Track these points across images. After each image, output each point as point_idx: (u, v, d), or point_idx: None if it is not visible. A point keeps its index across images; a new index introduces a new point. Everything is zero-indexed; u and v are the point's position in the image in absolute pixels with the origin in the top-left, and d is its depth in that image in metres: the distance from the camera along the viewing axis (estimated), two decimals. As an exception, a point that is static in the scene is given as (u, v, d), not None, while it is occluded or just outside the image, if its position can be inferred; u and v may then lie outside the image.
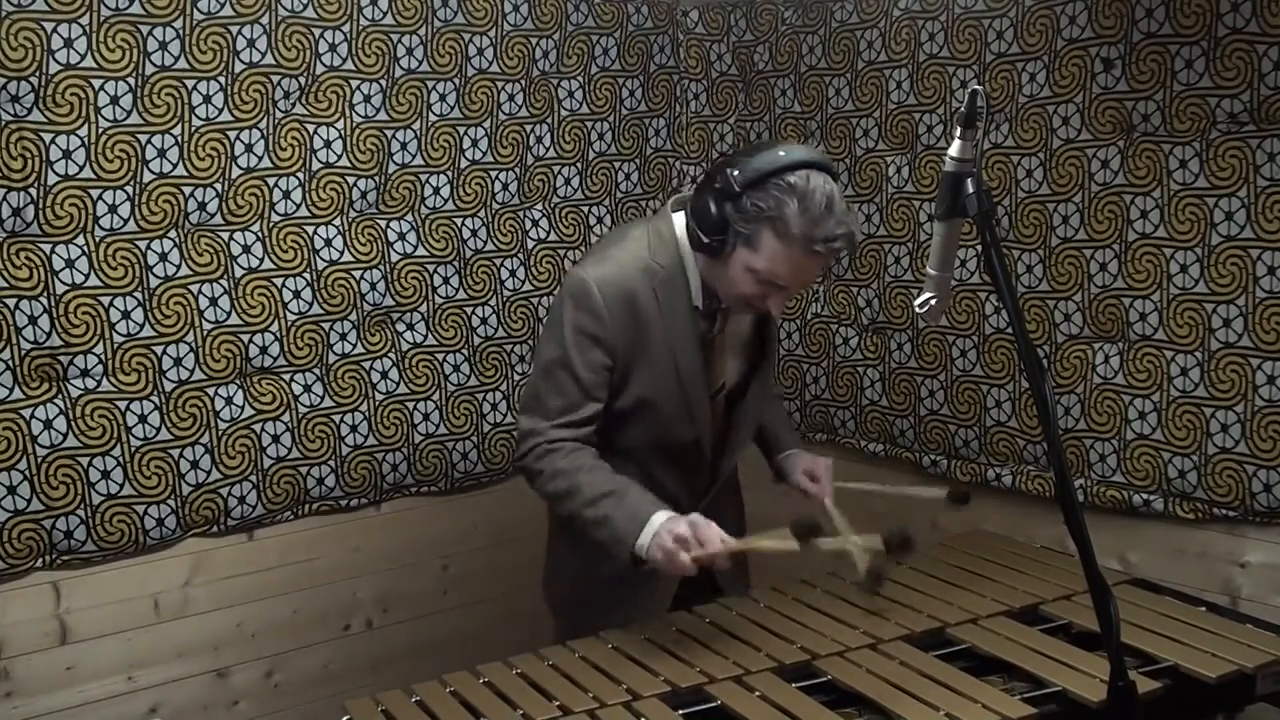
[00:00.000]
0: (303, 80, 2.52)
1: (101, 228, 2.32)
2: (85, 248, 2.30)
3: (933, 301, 1.64)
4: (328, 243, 2.60)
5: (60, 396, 2.30)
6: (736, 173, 1.87)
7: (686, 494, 2.13)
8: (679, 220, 2.02)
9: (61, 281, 2.28)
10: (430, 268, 2.75)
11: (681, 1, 3.14)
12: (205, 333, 2.46)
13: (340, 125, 2.59)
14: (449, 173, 2.76)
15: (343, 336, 2.64)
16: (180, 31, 2.36)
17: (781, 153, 1.87)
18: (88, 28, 2.26)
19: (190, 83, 2.38)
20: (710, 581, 2.17)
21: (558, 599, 2.27)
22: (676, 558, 1.82)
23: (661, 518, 1.87)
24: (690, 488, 2.14)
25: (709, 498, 2.16)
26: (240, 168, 2.47)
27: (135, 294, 2.37)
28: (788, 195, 1.83)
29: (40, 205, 2.24)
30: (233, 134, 2.45)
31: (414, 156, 2.70)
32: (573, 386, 1.97)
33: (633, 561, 1.89)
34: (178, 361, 2.42)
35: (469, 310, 2.82)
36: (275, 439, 2.56)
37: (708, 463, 2.13)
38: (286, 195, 2.54)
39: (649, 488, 2.02)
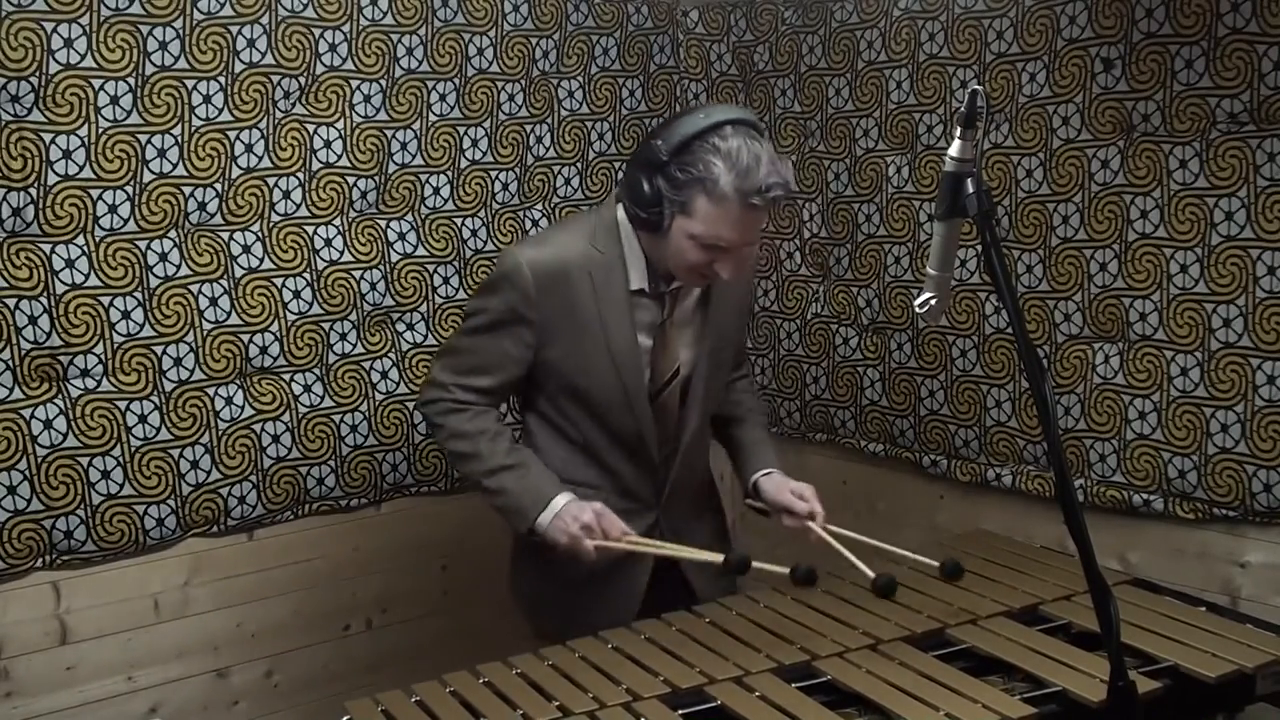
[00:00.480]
0: (303, 80, 2.52)
1: (101, 228, 2.32)
2: (85, 248, 2.30)
3: (933, 301, 1.64)
4: (328, 243, 2.60)
5: (60, 396, 2.30)
6: (660, 143, 1.88)
7: (646, 489, 2.14)
8: (621, 208, 2.02)
9: (61, 281, 2.28)
10: (430, 268, 2.75)
11: (681, 1, 3.14)
12: (205, 333, 2.46)
13: (340, 125, 2.59)
14: (449, 173, 2.76)
15: (343, 336, 2.64)
16: (180, 31, 2.36)
17: (701, 115, 1.89)
18: (88, 28, 2.26)
19: (190, 83, 2.39)
20: (684, 585, 2.17)
21: (524, 601, 2.29)
22: (581, 543, 1.96)
23: (563, 500, 1.99)
24: (644, 482, 2.13)
25: (667, 493, 2.15)
26: (240, 168, 2.47)
27: (135, 294, 2.37)
28: (714, 156, 1.84)
29: (40, 205, 2.24)
30: (233, 134, 2.45)
31: (414, 156, 2.70)
32: (495, 355, 2.04)
33: (528, 534, 2.02)
34: (178, 361, 2.43)
35: (469, 310, 2.82)
36: (275, 439, 2.56)
37: (654, 457, 2.11)
38: (286, 195, 2.54)
39: (610, 484, 2.08)
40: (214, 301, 2.46)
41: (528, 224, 2.90)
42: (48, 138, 2.24)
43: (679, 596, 2.13)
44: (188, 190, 2.41)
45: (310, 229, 2.58)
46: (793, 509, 2.12)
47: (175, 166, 2.39)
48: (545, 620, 2.21)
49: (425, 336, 2.76)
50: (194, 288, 2.44)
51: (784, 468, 2.25)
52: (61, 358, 2.29)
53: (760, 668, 1.82)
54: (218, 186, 2.45)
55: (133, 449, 2.39)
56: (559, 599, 2.19)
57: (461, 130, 2.76)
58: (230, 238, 2.48)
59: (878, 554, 2.14)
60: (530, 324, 2.01)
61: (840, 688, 1.78)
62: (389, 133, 2.65)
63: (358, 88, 2.60)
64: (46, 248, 2.26)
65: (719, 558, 2.03)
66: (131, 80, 2.32)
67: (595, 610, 2.10)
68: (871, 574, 2.06)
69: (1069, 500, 1.41)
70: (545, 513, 1.99)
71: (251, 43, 2.44)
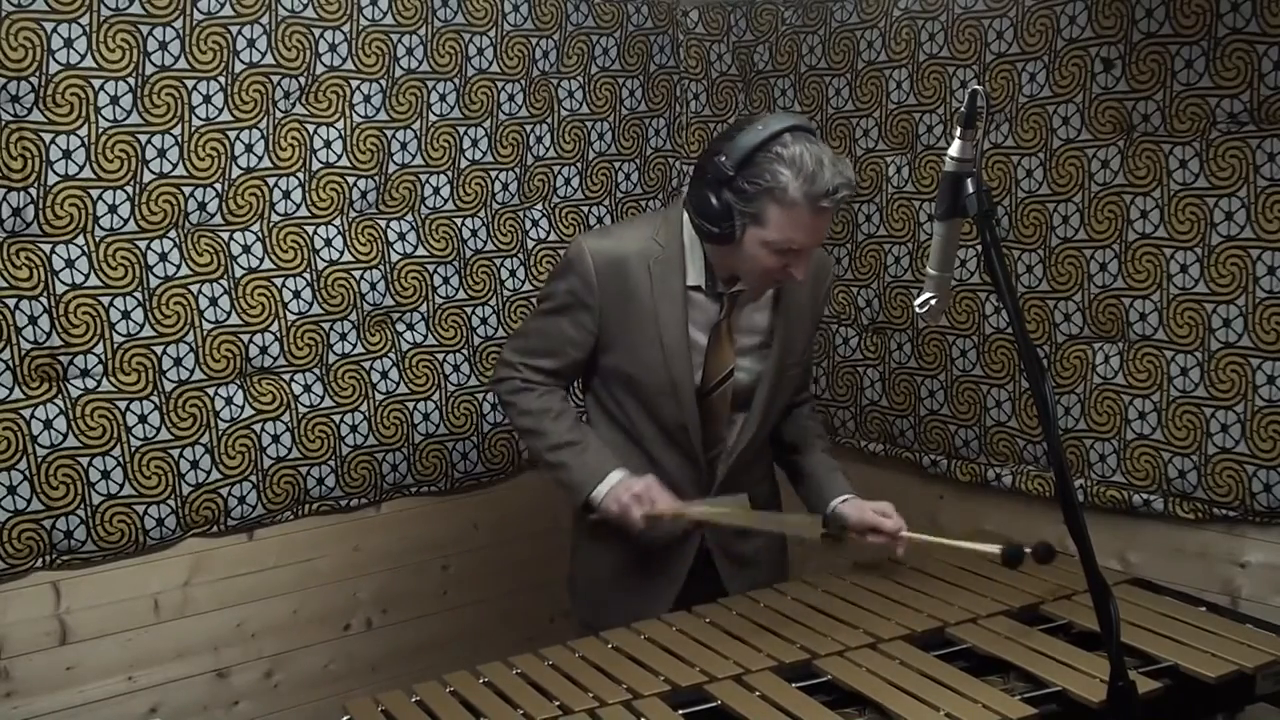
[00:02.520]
0: (303, 80, 2.52)
1: (101, 228, 2.32)
2: (85, 248, 2.30)
3: (933, 301, 1.64)
4: (328, 243, 2.60)
5: (60, 396, 2.30)
6: (724, 158, 1.92)
7: (692, 487, 2.15)
8: (687, 213, 2.07)
9: (61, 281, 2.28)
10: (430, 268, 2.75)
11: (681, 1, 3.14)
12: (205, 333, 2.46)
13: (340, 125, 2.59)
14: (449, 173, 2.76)
15: (343, 336, 2.64)
16: (180, 31, 2.36)
17: (760, 126, 1.91)
18: (88, 28, 2.26)
19: (190, 83, 2.38)
20: (715, 579, 2.20)
21: (572, 589, 2.33)
22: (630, 512, 2.02)
23: (619, 475, 2.06)
24: (690, 480, 2.15)
25: (714, 495, 2.16)
26: (240, 168, 2.47)
27: (135, 294, 2.37)
28: (779, 164, 1.88)
29: (40, 205, 2.24)
30: (233, 134, 2.45)
31: (414, 156, 2.70)
32: (555, 334, 2.12)
33: (584, 509, 2.08)
34: (178, 361, 2.42)
35: (469, 310, 2.82)
36: (275, 439, 2.56)
37: (699, 454, 2.14)
38: (286, 195, 2.54)
39: (655, 475, 2.10)
40: (214, 301, 2.46)
41: (528, 224, 2.90)
42: (48, 138, 2.24)
43: (712, 593, 2.17)
44: (188, 190, 2.41)
45: (310, 229, 2.58)
46: (881, 528, 2.12)
47: (175, 166, 2.39)
48: (584, 609, 2.29)
49: (425, 336, 2.76)
50: (194, 288, 2.44)
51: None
52: (61, 358, 2.29)
53: (760, 667, 1.83)
54: (218, 186, 2.45)
55: (133, 449, 2.39)
56: (597, 589, 2.26)
57: (461, 130, 2.76)
58: (230, 238, 2.48)
59: (945, 550, 2.15)
60: (590, 309, 2.08)
61: (840, 687, 1.78)
62: (389, 133, 2.65)
63: (358, 88, 2.60)
64: (46, 248, 2.26)
65: (815, 519, 2.13)
66: (131, 80, 2.32)
67: (632, 602, 2.15)
68: (995, 549, 2.01)
69: (1069, 500, 1.41)
70: (601, 486, 2.05)
71: (251, 43, 2.44)
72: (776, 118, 1.94)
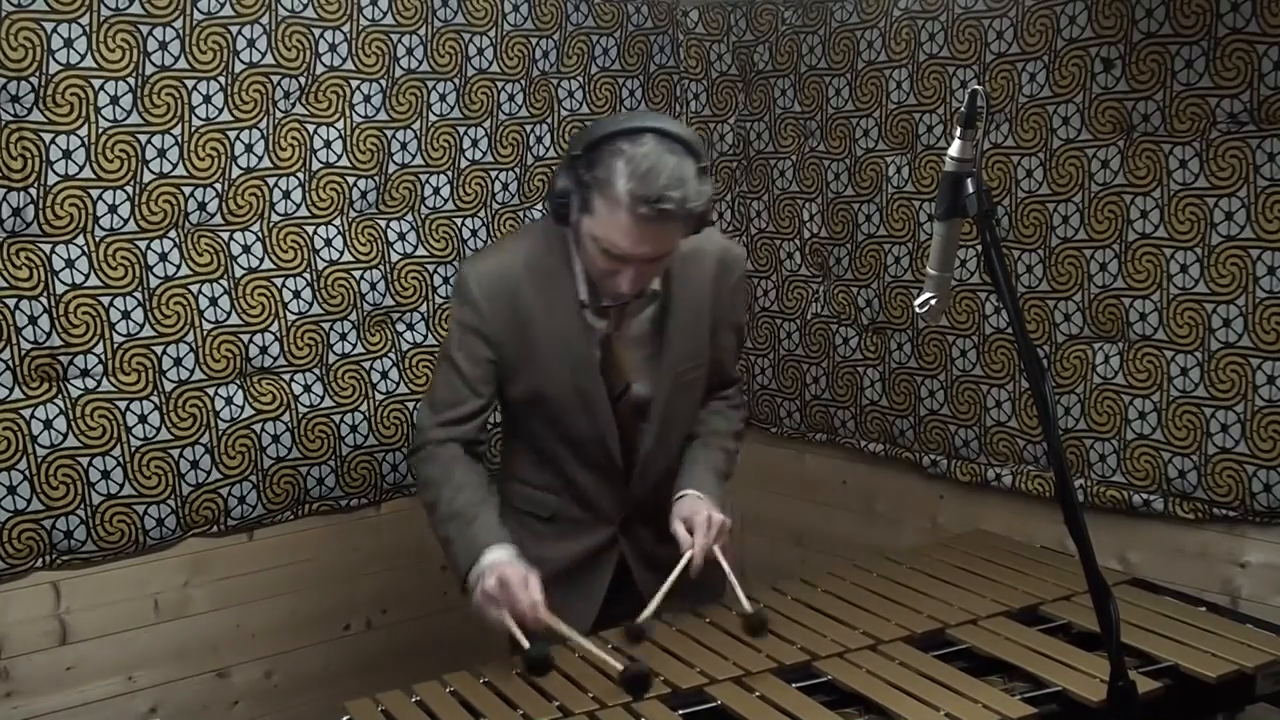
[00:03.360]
0: (303, 80, 2.52)
1: (101, 228, 2.32)
2: (85, 248, 2.30)
3: (933, 301, 1.64)
4: (328, 243, 2.60)
5: (60, 396, 2.30)
6: (579, 139, 1.87)
7: (608, 502, 2.10)
8: None
9: (61, 281, 2.28)
10: (430, 268, 2.74)
11: (681, 1, 3.14)
12: (205, 333, 2.46)
13: (340, 125, 2.59)
14: (449, 173, 2.76)
15: (343, 336, 2.64)
16: (180, 31, 2.36)
17: (624, 118, 1.86)
18: (88, 28, 2.26)
19: (190, 83, 2.38)
20: (639, 600, 2.08)
21: None
22: (487, 610, 1.85)
23: (491, 557, 1.87)
24: (609, 495, 2.10)
25: (630, 510, 2.10)
26: (240, 168, 2.47)
27: (135, 294, 2.37)
28: (616, 159, 1.79)
29: (40, 205, 2.24)
30: (233, 134, 2.45)
31: (414, 156, 2.70)
32: (456, 379, 2.01)
33: (462, 590, 1.92)
34: (178, 361, 2.42)
35: (469, 310, 2.82)
36: (275, 439, 2.56)
37: (619, 468, 2.08)
38: (286, 195, 2.54)
39: (569, 492, 2.05)
40: (214, 301, 2.46)
41: (528, 224, 2.90)
42: (48, 138, 2.24)
43: (634, 611, 2.09)
44: (188, 190, 2.41)
45: (310, 229, 2.58)
46: (676, 537, 1.98)
47: (175, 166, 2.39)
48: None
49: (425, 336, 2.75)
50: (194, 288, 2.44)
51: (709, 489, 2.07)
52: (61, 358, 2.29)
53: (760, 667, 1.83)
54: (218, 186, 2.45)
55: (133, 449, 2.39)
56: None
57: (461, 130, 2.76)
58: (230, 238, 2.48)
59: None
60: (485, 337, 1.99)
61: (840, 687, 1.78)
62: (389, 133, 2.65)
63: (358, 88, 2.60)
64: (46, 248, 2.26)
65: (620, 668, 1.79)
66: (131, 80, 2.32)
67: (558, 614, 2.08)
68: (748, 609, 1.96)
69: (1069, 500, 1.41)
70: (475, 568, 1.88)
71: (251, 43, 2.44)
72: (646, 116, 1.88)
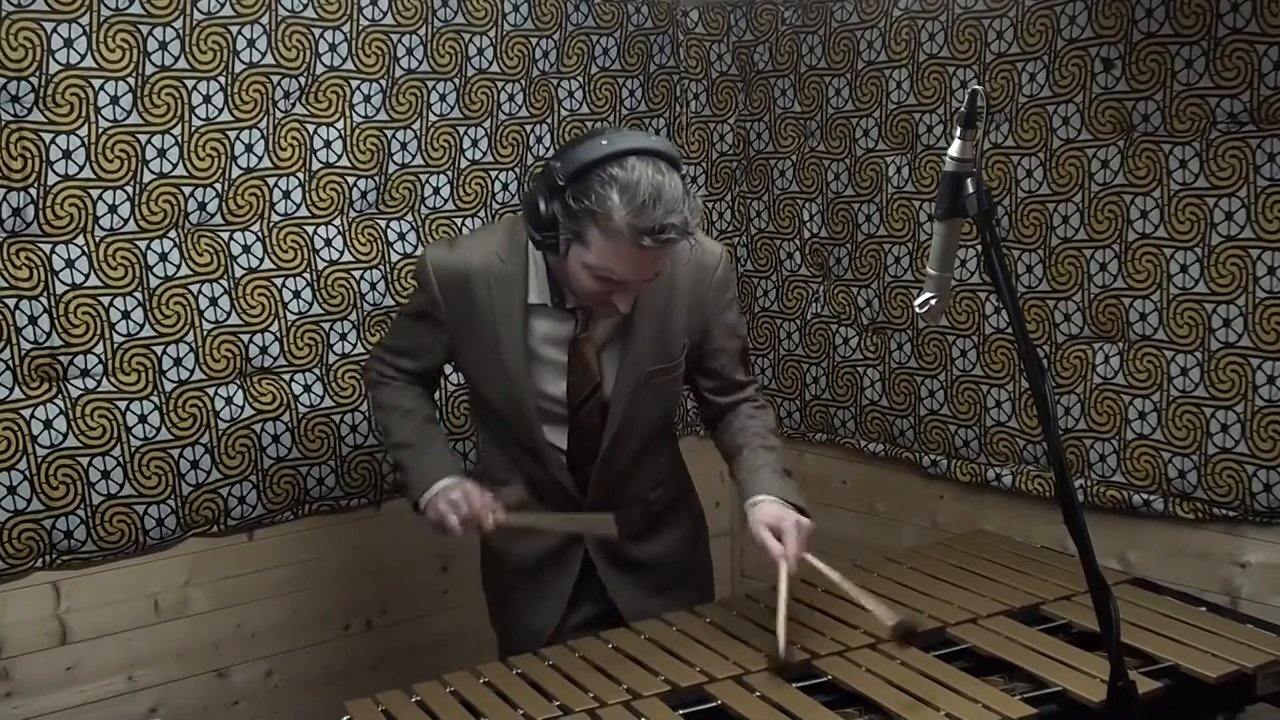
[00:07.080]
0: (303, 80, 2.52)
1: (101, 228, 2.32)
2: (85, 248, 2.30)
3: (933, 301, 1.64)
4: (328, 243, 2.60)
5: (60, 396, 2.30)
6: (560, 166, 1.78)
7: (567, 503, 2.09)
8: None
9: (61, 281, 2.28)
10: (430, 268, 2.74)
11: (681, 1, 3.14)
12: (205, 333, 2.46)
13: (340, 125, 2.59)
14: (449, 173, 2.76)
15: (343, 336, 2.64)
16: (180, 31, 2.36)
17: (604, 142, 1.77)
18: (88, 28, 2.26)
19: (190, 83, 2.38)
20: (605, 600, 2.14)
21: (484, 585, 2.35)
22: (446, 519, 1.96)
23: (445, 482, 2.00)
24: (567, 498, 2.09)
25: (588, 509, 2.08)
26: (240, 168, 2.47)
27: (135, 294, 2.37)
28: (609, 187, 1.73)
29: (40, 205, 2.24)
30: (233, 134, 2.45)
31: (414, 156, 2.70)
32: (414, 341, 2.12)
33: (415, 510, 2.05)
34: (178, 361, 2.42)
35: (469, 310, 2.82)
36: (275, 439, 2.56)
37: (553, 471, 2.07)
38: (286, 195, 2.54)
39: (531, 491, 2.07)
40: (214, 301, 2.46)
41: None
42: (48, 138, 2.24)
43: (603, 612, 2.13)
44: (188, 190, 2.41)
45: (310, 229, 2.58)
46: (765, 546, 1.90)
47: (175, 166, 2.39)
48: (491, 615, 2.32)
49: (425, 336, 2.76)
50: (194, 288, 2.44)
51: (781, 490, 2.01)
52: (61, 358, 2.29)
53: (760, 667, 1.83)
54: (218, 186, 2.45)
55: (133, 449, 2.39)
56: (494, 596, 2.28)
57: (461, 130, 2.76)
58: (230, 238, 2.48)
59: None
60: (439, 323, 2.05)
61: (840, 687, 1.78)
62: (389, 133, 2.65)
63: (358, 88, 2.60)
64: (46, 248, 2.26)
65: (607, 517, 1.97)
66: (131, 80, 2.32)
67: (525, 613, 2.15)
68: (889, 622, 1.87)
69: (1069, 500, 1.41)
70: (428, 492, 2.01)
71: (251, 43, 2.44)
72: (629, 136, 1.80)
